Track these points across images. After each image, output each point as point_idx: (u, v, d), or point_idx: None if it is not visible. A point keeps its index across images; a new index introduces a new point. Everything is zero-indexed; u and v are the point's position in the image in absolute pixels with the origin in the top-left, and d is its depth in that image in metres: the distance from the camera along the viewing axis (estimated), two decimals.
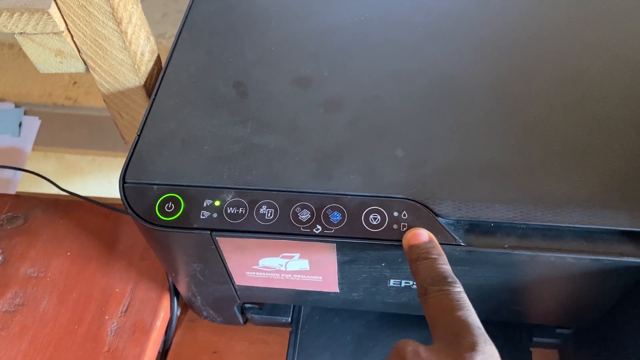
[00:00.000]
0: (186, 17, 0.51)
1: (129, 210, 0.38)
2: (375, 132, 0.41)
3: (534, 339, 0.49)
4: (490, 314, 0.45)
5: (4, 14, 0.41)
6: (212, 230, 0.37)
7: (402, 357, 0.31)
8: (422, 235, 0.35)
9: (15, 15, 0.41)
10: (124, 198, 0.38)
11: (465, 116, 0.41)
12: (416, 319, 0.51)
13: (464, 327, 0.31)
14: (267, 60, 0.46)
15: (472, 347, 0.30)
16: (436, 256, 0.34)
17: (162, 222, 0.37)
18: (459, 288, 0.33)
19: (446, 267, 0.34)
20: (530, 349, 0.50)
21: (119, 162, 1.07)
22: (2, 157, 0.82)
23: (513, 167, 0.38)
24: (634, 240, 0.35)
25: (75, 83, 0.99)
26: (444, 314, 0.32)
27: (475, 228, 0.36)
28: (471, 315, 0.31)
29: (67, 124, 0.98)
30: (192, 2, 0.52)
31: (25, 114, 0.90)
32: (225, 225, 0.37)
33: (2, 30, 0.42)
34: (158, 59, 0.50)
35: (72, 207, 0.60)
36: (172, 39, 0.49)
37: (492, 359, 0.30)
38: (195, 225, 0.37)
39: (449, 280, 0.33)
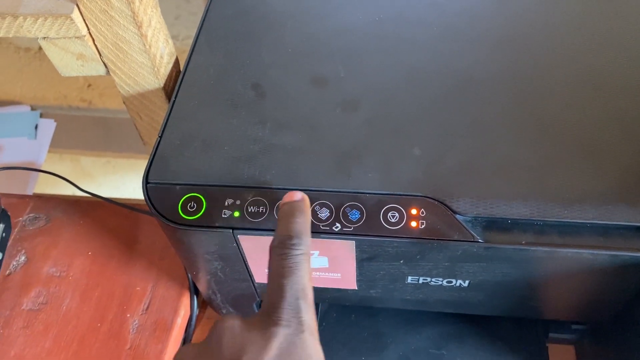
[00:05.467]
0: (203, 20, 0.52)
1: (153, 210, 0.39)
2: (392, 131, 0.41)
3: (550, 334, 0.50)
4: (507, 310, 0.45)
5: (28, 19, 0.42)
6: (233, 228, 0.38)
7: (218, 336, 0.29)
8: (296, 194, 0.34)
9: (39, 20, 0.42)
10: (147, 198, 0.39)
11: (481, 113, 0.42)
12: (433, 315, 0.52)
13: (279, 297, 0.29)
14: (284, 62, 0.47)
15: (277, 322, 0.28)
16: (296, 214, 0.32)
17: (185, 221, 0.38)
18: (299, 250, 0.30)
19: (299, 225, 0.32)
20: (547, 344, 0.51)
21: (134, 164, 1.09)
22: (19, 159, 0.83)
23: (529, 163, 0.39)
24: None
25: (89, 85, 1.01)
26: (272, 280, 0.30)
27: (492, 225, 0.37)
28: (295, 284, 0.29)
29: (82, 126, 0.99)
30: (209, 5, 0.53)
31: (41, 116, 0.92)
32: (246, 223, 0.38)
33: (27, 35, 0.43)
34: (176, 61, 0.51)
35: (92, 207, 0.61)
36: (186, 41, 0.49)
37: (299, 335, 0.28)
38: (217, 224, 0.38)
39: (292, 241, 0.31)
